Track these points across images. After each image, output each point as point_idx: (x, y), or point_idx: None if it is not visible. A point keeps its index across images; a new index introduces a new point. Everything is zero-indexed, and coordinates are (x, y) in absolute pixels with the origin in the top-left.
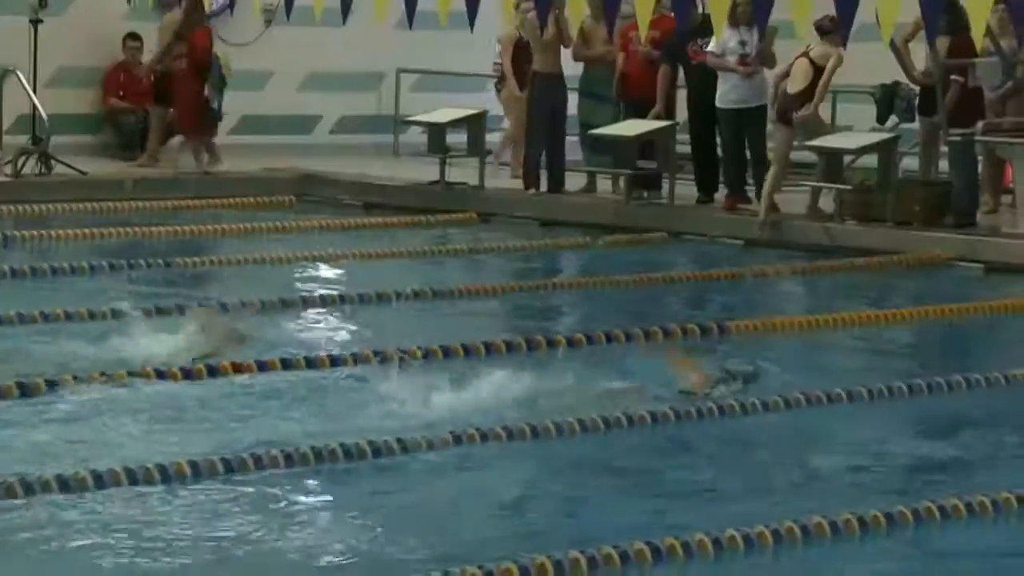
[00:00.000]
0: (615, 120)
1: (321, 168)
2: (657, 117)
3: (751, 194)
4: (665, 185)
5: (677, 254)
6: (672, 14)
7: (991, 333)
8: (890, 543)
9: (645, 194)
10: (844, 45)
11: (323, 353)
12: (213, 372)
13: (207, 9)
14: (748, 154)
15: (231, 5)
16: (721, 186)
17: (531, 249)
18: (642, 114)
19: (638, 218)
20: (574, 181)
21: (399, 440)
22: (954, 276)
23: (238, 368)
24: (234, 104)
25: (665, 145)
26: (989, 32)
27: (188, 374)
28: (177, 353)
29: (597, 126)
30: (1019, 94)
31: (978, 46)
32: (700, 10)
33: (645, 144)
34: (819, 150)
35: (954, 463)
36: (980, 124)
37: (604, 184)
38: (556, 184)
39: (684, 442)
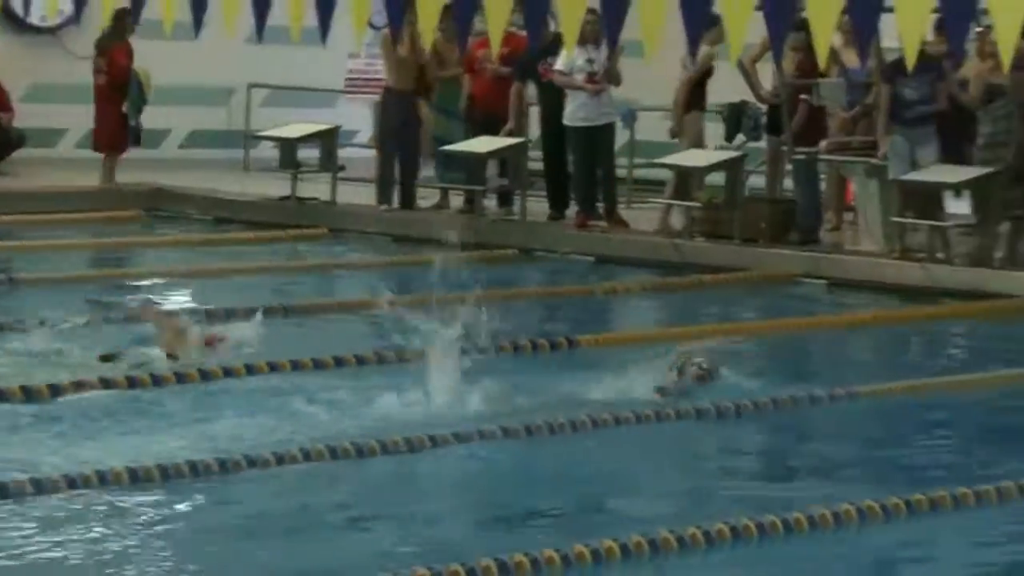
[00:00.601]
0: (467, 137)
1: (171, 183)
2: (509, 134)
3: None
4: (517, 202)
5: (529, 270)
6: (524, 32)
7: (834, 348)
8: (734, 555)
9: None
10: (692, 63)
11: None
12: (56, 391)
13: (53, 20)
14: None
15: (78, 16)
16: (572, 203)
17: (383, 265)
18: (491, 132)
19: (490, 234)
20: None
21: (246, 456)
22: (798, 292)
23: (80, 386)
24: (81, 118)
25: (517, 162)
26: (833, 53)
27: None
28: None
29: (450, 142)
30: (869, 116)
31: (821, 66)
32: (552, 28)
33: (497, 161)
34: (669, 167)
35: (793, 476)
36: (823, 143)
37: (457, 200)
38: (408, 200)
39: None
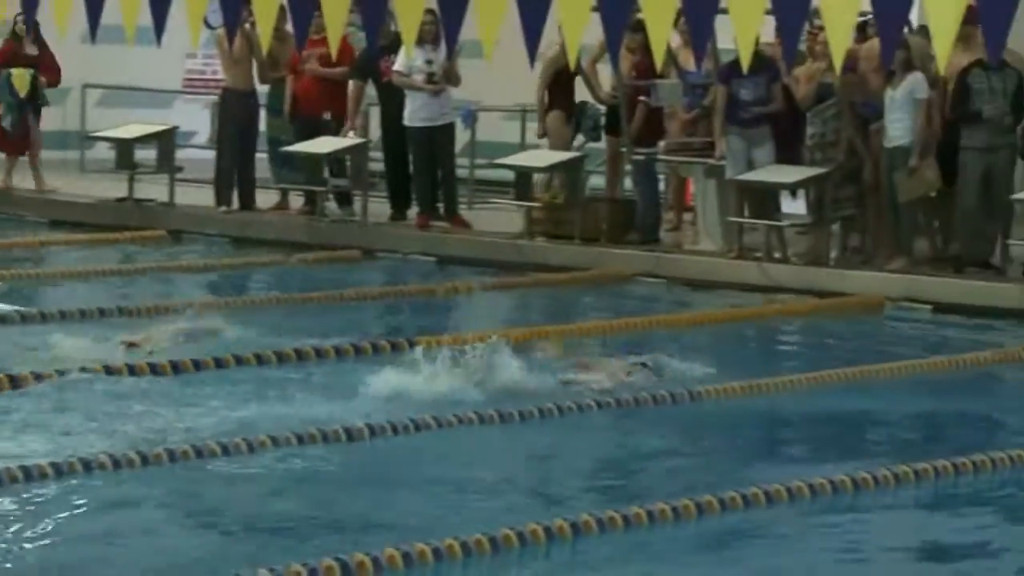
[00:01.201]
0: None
1: (4, 184)
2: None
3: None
4: (358, 202)
5: (370, 271)
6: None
7: (673, 347)
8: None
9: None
10: (531, 64)
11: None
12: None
13: None
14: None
15: None
16: (414, 204)
17: (223, 267)
18: (314, 132)
19: (331, 236)
20: (266, 198)
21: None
22: (638, 291)
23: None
24: None
25: (357, 162)
26: (670, 54)
27: None
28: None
29: (286, 143)
30: (708, 117)
31: (658, 67)
32: (393, 28)
33: (338, 161)
34: (509, 168)
35: (623, 478)
36: (662, 144)
37: (297, 201)
38: (247, 201)
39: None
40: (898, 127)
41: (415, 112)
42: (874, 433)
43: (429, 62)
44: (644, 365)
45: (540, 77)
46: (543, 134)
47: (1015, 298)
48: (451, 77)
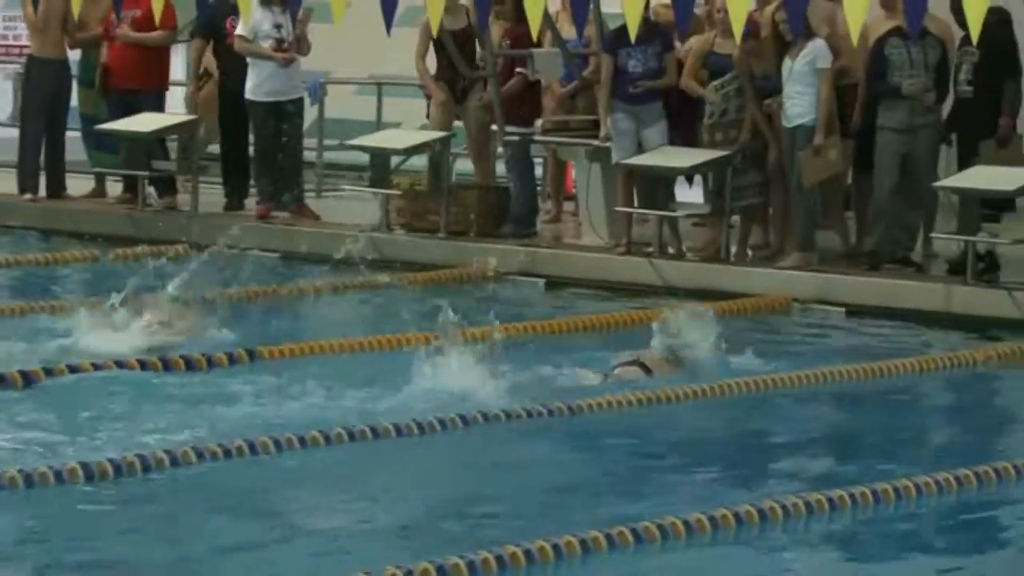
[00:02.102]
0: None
1: None
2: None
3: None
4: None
5: (200, 267)
6: None
7: (552, 355)
8: None
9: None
10: (388, 31)
11: None
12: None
13: None
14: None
15: None
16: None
17: (28, 264)
18: (131, 109)
19: (155, 228)
20: (80, 184)
21: None
22: (511, 293)
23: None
24: None
25: (186, 143)
26: (547, 20)
27: None
28: None
29: (102, 120)
30: (590, 91)
31: (534, 34)
32: None
33: (161, 142)
34: (363, 149)
35: (496, 498)
36: (539, 123)
37: (115, 188)
38: (56, 187)
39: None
40: (799, 103)
41: (259, 85)
42: (780, 454)
43: (278, 26)
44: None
45: (417, 47)
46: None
47: (938, 299)
48: (300, 44)
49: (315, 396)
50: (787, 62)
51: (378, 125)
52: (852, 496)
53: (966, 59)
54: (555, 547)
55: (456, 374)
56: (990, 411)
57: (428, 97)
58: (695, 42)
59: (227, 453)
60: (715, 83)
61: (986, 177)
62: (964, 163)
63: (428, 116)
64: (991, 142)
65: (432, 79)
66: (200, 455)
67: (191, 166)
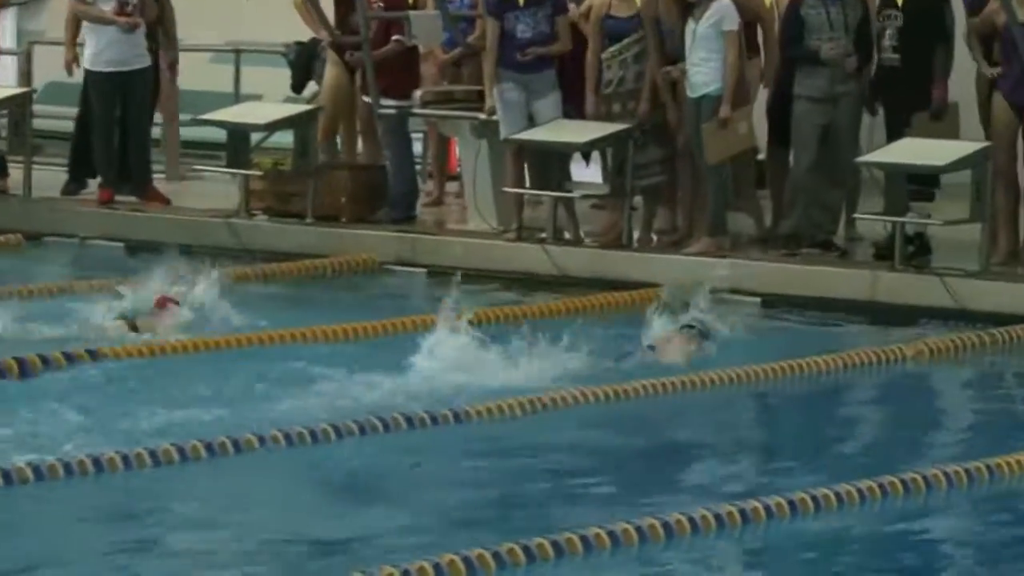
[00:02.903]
0: None
1: None
2: None
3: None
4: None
5: (36, 262)
6: None
7: (433, 360)
8: None
9: None
10: None
11: None
12: None
13: None
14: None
15: None
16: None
17: None
18: None
19: None
20: None
21: None
22: (388, 284)
23: None
24: None
25: (18, 118)
26: None
27: None
28: None
29: None
30: (475, 57)
31: None
32: None
33: None
34: (219, 125)
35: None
36: (418, 94)
37: None
38: None
39: None
40: (704, 70)
41: (99, 53)
42: (689, 462)
43: None
44: (700, 334)
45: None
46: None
47: (863, 287)
48: (145, 7)
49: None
50: (690, 25)
51: (236, 97)
52: (767, 508)
53: (889, 23)
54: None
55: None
56: (920, 412)
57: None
58: (592, 5)
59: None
60: (612, 48)
61: (914, 151)
62: (894, 136)
63: (318, 81)
64: (924, 115)
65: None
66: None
67: (23, 144)
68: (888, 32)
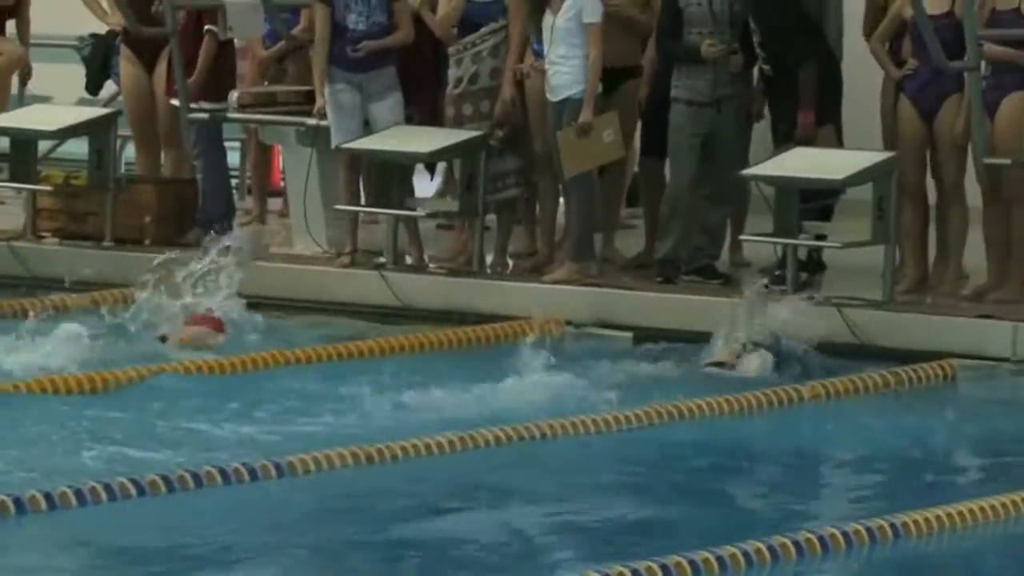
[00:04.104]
0: None
1: None
2: None
3: None
4: None
5: None
6: None
7: (258, 405)
8: None
9: None
10: None
11: None
12: None
13: None
14: None
15: None
16: None
17: None
18: None
19: None
20: None
21: None
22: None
23: None
24: None
25: None
26: None
27: None
28: None
29: None
30: (301, 52)
31: None
32: None
33: None
34: (2, 132)
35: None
36: (234, 95)
37: None
38: None
39: None
40: (564, 69)
41: None
42: (554, 523)
43: None
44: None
45: None
46: None
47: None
48: None
49: None
50: (547, 18)
51: (20, 99)
52: (635, 572)
53: (754, 34)
54: None
55: None
56: (816, 462)
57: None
58: None
59: None
60: (465, 39)
61: (808, 163)
62: (781, 146)
63: (117, 80)
64: (789, 147)
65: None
66: None
67: None
68: (755, 41)
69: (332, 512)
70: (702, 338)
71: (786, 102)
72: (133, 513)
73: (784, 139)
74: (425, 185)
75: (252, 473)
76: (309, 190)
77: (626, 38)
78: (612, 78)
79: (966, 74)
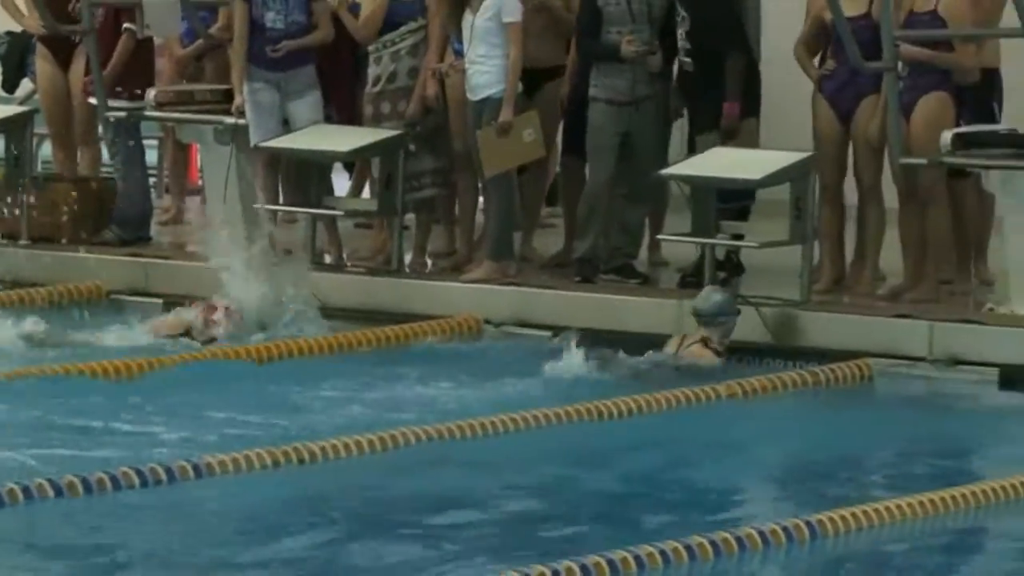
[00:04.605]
0: None
1: None
2: None
3: None
4: None
5: None
6: None
7: (158, 406)
8: None
9: None
10: None
11: None
12: None
13: None
14: None
15: None
16: None
17: None
18: None
19: None
20: None
21: None
22: (121, 316)
23: None
24: None
25: None
26: None
27: None
28: None
29: None
30: (219, 51)
31: None
32: None
33: None
34: None
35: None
36: (152, 94)
37: None
38: None
39: None
40: (485, 69)
41: None
42: (470, 521)
43: None
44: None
45: None
46: None
47: (668, 319)
48: None
49: None
50: (467, 17)
51: None
52: (556, 573)
53: (680, 24)
54: None
55: None
56: (733, 461)
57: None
58: None
59: None
60: (384, 38)
61: (726, 162)
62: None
63: (34, 78)
64: (713, 135)
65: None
66: None
67: None
68: (680, 32)
69: (248, 516)
70: (622, 338)
71: (710, 94)
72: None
73: (707, 130)
74: (344, 184)
75: (169, 473)
76: (230, 187)
77: (549, 38)
78: (535, 78)
79: (884, 75)
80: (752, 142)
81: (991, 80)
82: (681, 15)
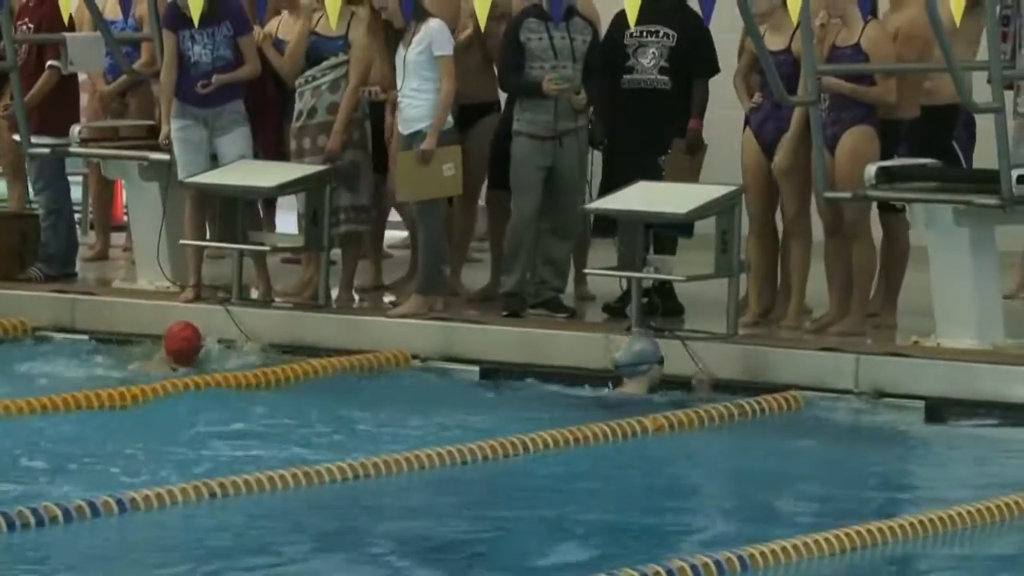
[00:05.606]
0: None
1: None
2: None
3: None
4: None
5: None
6: None
7: (93, 444)
8: None
9: None
10: None
11: None
12: None
13: None
14: None
15: None
16: None
17: None
18: None
19: None
20: None
21: None
22: (41, 353)
23: None
24: None
25: None
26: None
27: None
28: None
29: None
30: (144, 86)
31: (64, 16)
32: None
33: None
34: None
35: None
36: (76, 129)
37: None
38: None
39: None
40: (417, 103)
41: None
42: (384, 552)
43: None
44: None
45: None
46: None
47: (595, 353)
48: None
49: None
50: (400, 51)
51: None
52: None
53: (663, 42)
54: None
55: None
56: (660, 495)
57: None
58: (293, 26)
59: None
60: (307, 72)
61: (651, 196)
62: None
63: None
64: (675, 154)
65: None
66: None
67: None
68: (653, 51)
69: (170, 548)
70: (549, 373)
71: (682, 110)
72: None
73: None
74: (291, 220)
75: (93, 508)
76: (153, 225)
77: (484, 74)
78: (469, 113)
79: (810, 109)
80: (698, 164)
81: (946, 117)
82: (664, 32)
